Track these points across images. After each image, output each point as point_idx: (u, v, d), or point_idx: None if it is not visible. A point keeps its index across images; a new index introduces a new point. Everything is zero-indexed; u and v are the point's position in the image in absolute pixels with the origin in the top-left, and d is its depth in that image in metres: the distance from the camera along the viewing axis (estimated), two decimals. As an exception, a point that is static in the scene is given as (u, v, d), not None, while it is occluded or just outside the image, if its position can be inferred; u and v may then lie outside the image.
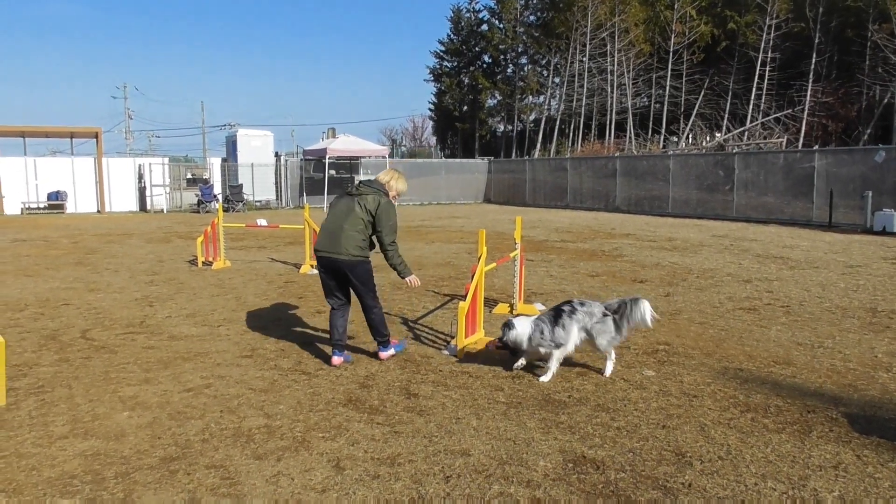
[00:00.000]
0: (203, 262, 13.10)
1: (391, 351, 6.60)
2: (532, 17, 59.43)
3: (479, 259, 7.04)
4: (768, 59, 46.22)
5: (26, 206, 30.66)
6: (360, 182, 6.46)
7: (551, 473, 4.16)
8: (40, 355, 6.83)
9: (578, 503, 3.80)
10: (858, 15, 42.49)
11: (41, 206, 31.10)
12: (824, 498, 3.85)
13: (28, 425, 4.94)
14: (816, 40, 44.41)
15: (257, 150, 35.62)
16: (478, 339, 7.06)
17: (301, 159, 37.26)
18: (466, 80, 61.59)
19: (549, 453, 4.45)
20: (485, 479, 4.07)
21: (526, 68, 59.71)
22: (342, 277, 6.27)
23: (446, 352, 6.86)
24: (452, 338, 7.16)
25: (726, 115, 48.03)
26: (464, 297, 6.69)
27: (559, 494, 3.89)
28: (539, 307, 8.89)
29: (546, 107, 57.73)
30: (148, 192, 32.69)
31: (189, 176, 35.28)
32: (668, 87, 50.97)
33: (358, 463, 4.31)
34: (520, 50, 59.35)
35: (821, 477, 4.11)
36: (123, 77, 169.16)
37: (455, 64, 62.87)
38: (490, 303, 9.07)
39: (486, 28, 60.51)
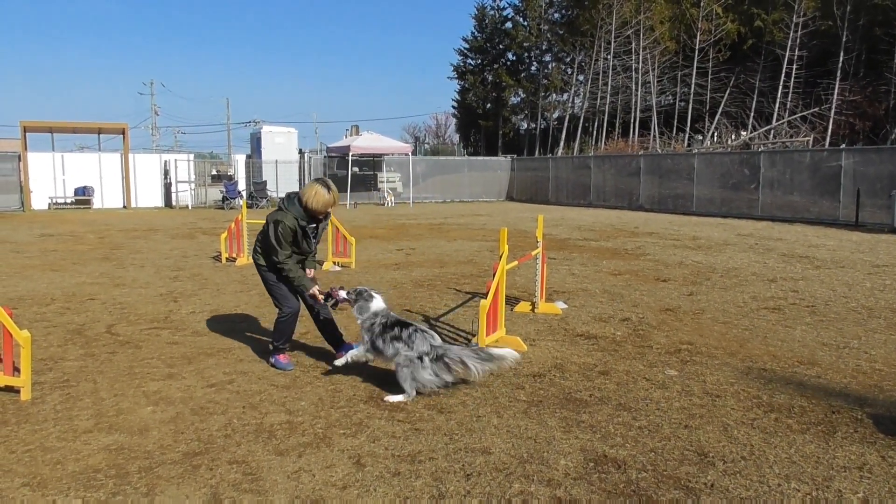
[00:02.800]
0: (227, 259, 13.19)
1: (272, 360, 6.36)
2: (556, 15, 59.19)
3: (501, 257, 7.03)
4: (795, 57, 45.65)
5: (53, 200, 31.00)
6: (285, 195, 6.32)
7: (572, 472, 4.15)
8: (66, 350, 6.91)
9: (599, 502, 3.78)
10: (886, 13, 41.84)
11: (68, 201, 31.43)
12: (849, 499, 3.81)
13: (53, 419, 4.99)
14: (844, 38, 43.83)
15: (281, 146, 35.78)
16: (499, 337, 7.06)
17: (325, 156, 37.40)
18: (490, 78, 61.46)
19: (570, 452, 4.44)
20: (505, 478, 4.07)
21: (550, 66, 59.48)
22: None
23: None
24: (474, 335, 7.16)
25: (752, 114, 47.56)
26: (485, 295, 6.68)
27: (580, 494, 3.88)
28: (561, 305, 8.87)
29: (570, 105, 57.51)
30: (173, 188, 32.95)
31: (214, 172, 35.51)
32: (693, 85, 50.55)
33: (378, 460, 4.32)
34: (544, 47, 59.12)
35: (845, 478, 4.07)
36: (150, 74, 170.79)
37: (479, 61, 62.77)
38: (512, 301, 9.06)
39: (511, 25, 60.36)
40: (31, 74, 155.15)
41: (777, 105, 46.47)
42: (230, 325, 7.98)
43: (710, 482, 4.01)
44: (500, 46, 61.35)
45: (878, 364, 6.39)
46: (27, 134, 30.95)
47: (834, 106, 43.77)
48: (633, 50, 50.66)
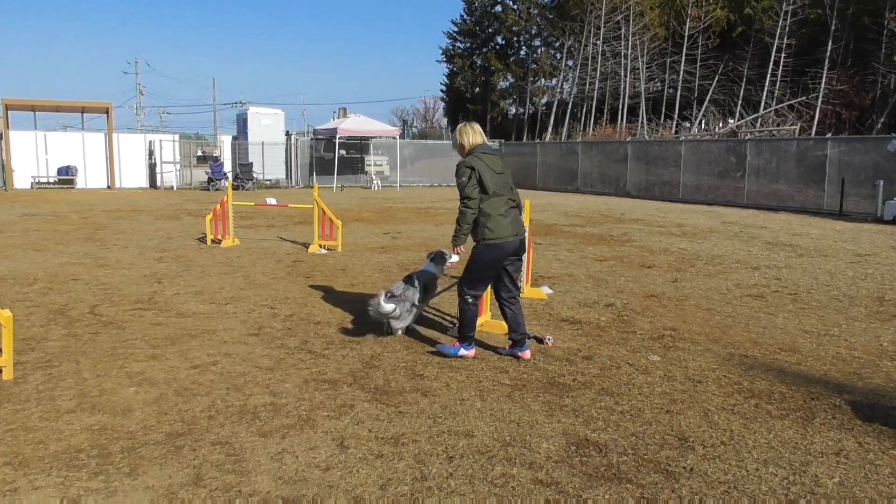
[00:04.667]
0: (212, 240, 13.14)
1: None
2: (546, -1, 59.11)
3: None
4: (784, 46, 45.72)
5: (36, 180, 30.69)
6: None
7: (554, 456, 4.18)
8: (48, 330, 6.88)
9: (580, 485, 3.82)
10: (875, 2, 41.97)
11: (51, 180, 31.13)
12: (825, 484, 3.86)
13: (35, 399, 4.98)
14: (832, 27, 43.93)
15: (268, 128, 35.58)
16: (484, 321, 7.07)
17: (311, 138, 37.22)
18: (479, 62, 61.27)
19: (553, 436, 4.47)
20: (487, 460, 4.10)
21: (539, 51, 59.36)
22: None
23: (453, 333, 6.87)
24: (458, 319, 7.16)
25: (740, 102, 47.63)
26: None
27: (561, 476, 3.91)
28: (546, 290, 8.90)
29: (559, 90, 57.46)
30: (158, 169, 32.69)
31: (199, 153, 35.27)
32: (681, 73, 50.58)
33: (362, 442, 4.34)
34: (533, 32, 58.98)
35: (822, 463, 4.12)
36: (135, 52, 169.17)
37: (468, 45, 62.54)
38: (497, 285, 9.06)
39: (500, 9, 60.05)
40: (13, 51, 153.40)
41: (765, 93, 46.59)
42: (214, 307, 7.97)
43: (689, 466, 4.05)
44: (490, 30, 61.14)
45: (858, 352, 6.46)
46: (9, 112, 30.59)
47: (821, 95, 43.94)
48: (623, 35, 50.61)
